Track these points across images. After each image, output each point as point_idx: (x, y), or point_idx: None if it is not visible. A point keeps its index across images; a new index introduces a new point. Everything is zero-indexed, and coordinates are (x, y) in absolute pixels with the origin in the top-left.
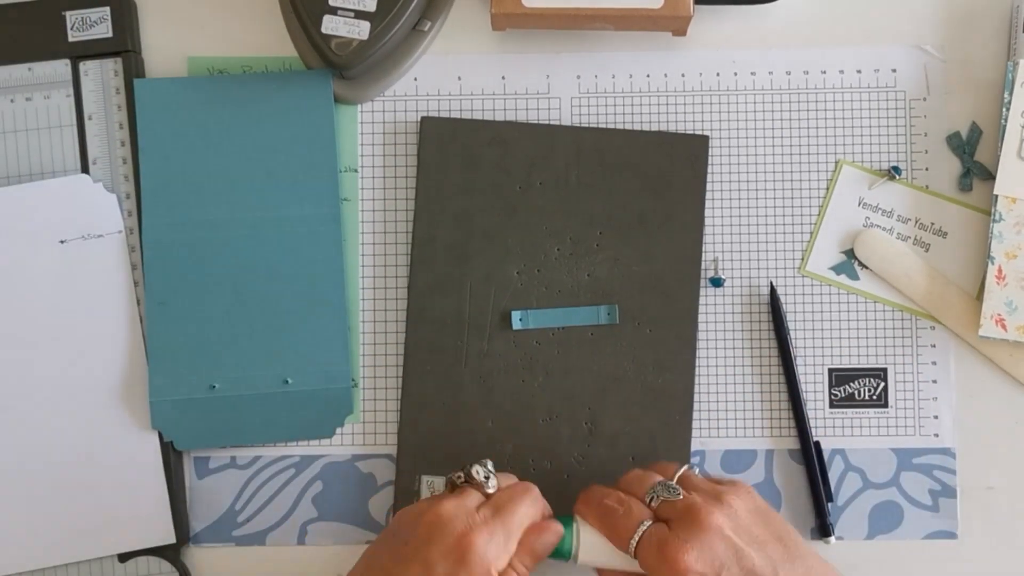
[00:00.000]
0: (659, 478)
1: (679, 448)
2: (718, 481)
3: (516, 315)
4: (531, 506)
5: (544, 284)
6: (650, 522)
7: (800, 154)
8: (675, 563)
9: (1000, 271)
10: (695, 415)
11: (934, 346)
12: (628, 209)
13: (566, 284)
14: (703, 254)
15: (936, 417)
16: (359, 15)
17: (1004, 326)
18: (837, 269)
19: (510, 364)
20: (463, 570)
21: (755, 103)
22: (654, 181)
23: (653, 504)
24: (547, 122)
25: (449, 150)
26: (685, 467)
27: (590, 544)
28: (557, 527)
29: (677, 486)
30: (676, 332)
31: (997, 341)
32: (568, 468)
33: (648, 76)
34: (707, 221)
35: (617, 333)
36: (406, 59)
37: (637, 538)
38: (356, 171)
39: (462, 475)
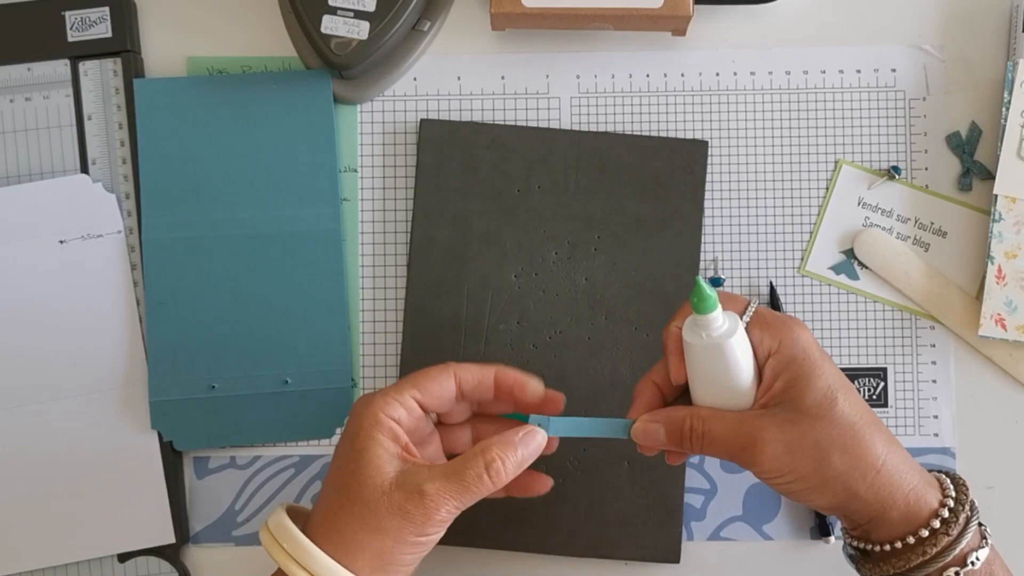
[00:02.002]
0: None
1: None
2: None
3: (534, 420)
4: (441, 371)
5: (541, 288)
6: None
7: (800, 154)
8: (794, 322)
9: (1000, 271)
10: None
11: (934, 346)
12: (626, 213)
13: (563, 288)
14: (702, 256)
15: (936, 417)
16: (359, 15)
17: (1004, 326)
18: (837, 269)
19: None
20: (348, 435)
21: (755, 103)
22: (653, 186)
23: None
24: (547, 122)
25: (448, 153)
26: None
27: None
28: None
29: None
30: None
31: (997, 341)
32: (564, 472)
33: (648, 76)
34: (706, 220)
35: (614, 337)
36: (406, 59)
37: (753, 308)
38: (356, 171)
39: None
